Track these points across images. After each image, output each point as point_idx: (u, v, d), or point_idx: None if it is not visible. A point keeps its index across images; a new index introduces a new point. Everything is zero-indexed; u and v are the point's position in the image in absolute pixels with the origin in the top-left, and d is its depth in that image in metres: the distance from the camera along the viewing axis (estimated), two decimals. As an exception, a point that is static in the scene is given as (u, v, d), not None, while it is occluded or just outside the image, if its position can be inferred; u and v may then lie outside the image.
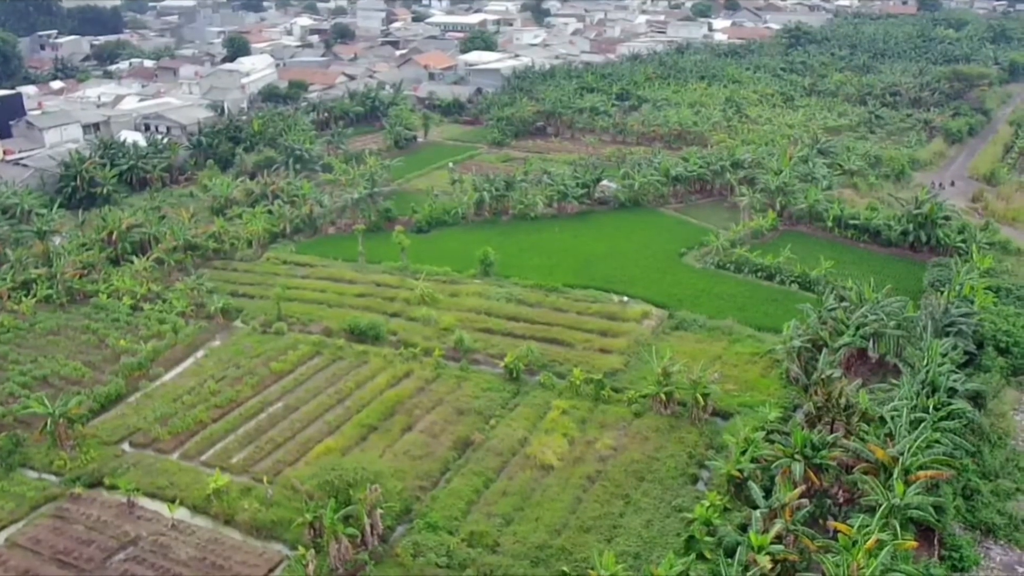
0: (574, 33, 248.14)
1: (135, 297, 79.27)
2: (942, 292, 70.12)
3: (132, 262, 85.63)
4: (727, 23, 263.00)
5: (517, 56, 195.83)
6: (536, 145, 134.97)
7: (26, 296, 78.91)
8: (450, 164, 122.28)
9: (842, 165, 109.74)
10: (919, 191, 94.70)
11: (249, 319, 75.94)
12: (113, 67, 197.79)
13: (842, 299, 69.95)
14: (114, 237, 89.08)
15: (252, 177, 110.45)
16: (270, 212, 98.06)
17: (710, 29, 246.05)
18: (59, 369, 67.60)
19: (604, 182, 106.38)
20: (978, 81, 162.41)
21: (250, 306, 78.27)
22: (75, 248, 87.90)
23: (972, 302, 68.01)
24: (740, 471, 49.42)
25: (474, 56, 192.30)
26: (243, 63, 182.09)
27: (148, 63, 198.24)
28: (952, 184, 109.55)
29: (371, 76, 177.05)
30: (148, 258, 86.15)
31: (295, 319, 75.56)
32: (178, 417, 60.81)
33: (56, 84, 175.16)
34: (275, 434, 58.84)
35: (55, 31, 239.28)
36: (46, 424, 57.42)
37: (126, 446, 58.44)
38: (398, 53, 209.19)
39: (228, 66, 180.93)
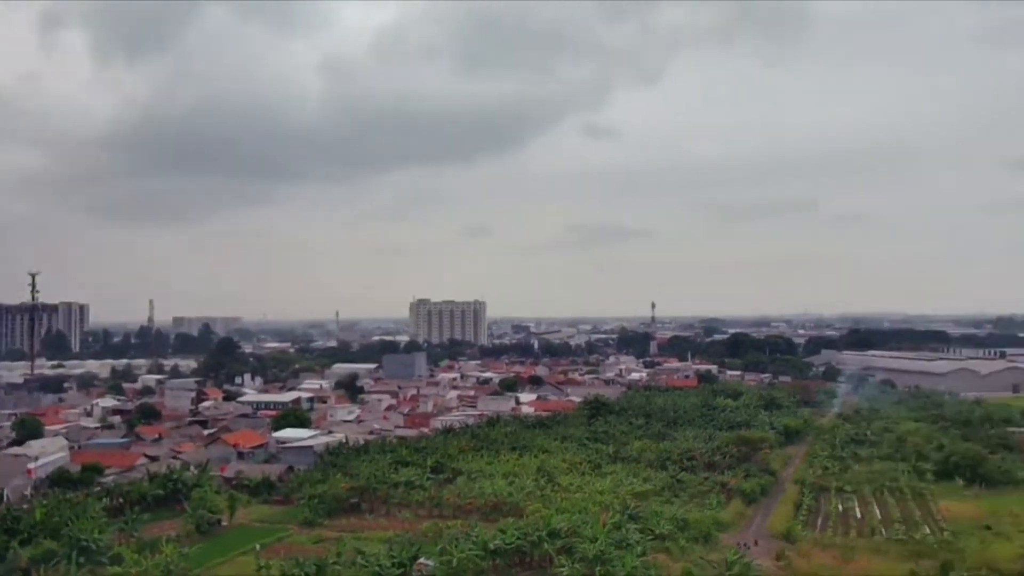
0: (388, 408, 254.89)
1: None
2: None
3: None
4: (532, 396, 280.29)
5: (331, 432, 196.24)
6: (351, 523, 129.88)
7: None
8: (256, 547, 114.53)
9: (653, 530, 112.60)
10: (728, 552, 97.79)
11: None
12: None
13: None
14: None
15: (26, 574, 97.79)
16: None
17: (517, 403, 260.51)
18: None
19: (421, 559, 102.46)
20: (760, 444, 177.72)
21: None
22: None
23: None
24: None
25: (286, 433, 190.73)
26: (31, 446, 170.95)
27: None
28: (756, 543, 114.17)
29: (175, 457, 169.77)
30: None
31: None
32: None
33: None
34: None
35: None
36: None
37: None
38: (206, 432, 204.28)
39: (14, 450, 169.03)
